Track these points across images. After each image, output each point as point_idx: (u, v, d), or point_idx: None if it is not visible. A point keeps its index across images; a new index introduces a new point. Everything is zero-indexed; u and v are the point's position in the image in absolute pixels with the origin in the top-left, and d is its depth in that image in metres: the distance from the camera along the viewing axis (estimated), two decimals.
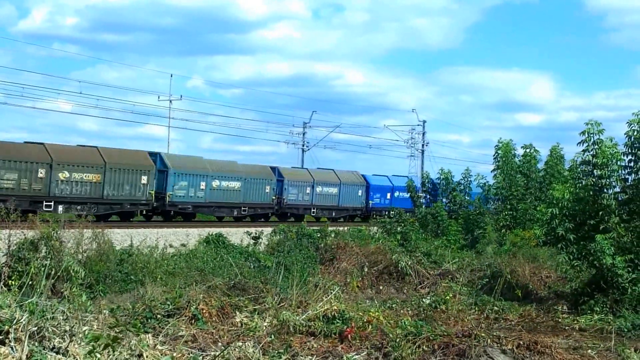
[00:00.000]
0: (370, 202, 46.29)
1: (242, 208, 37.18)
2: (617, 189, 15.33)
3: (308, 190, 41.85)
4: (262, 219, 40.19)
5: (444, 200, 32.50)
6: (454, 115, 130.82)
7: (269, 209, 39.51)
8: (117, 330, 7.46)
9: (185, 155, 37.07)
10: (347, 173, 46.93)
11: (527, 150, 29.31)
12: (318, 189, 42.49)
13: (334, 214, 43.92)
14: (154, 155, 33.54)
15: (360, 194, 45.91)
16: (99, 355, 6.71)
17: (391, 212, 46.50)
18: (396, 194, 47.78)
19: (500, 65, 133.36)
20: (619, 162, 14.99)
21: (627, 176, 15.21)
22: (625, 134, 14.92)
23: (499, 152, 28.13)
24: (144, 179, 32.04)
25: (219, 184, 35.99)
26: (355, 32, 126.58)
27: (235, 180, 36.94)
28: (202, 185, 34.91)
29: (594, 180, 15.11)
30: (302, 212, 41.62)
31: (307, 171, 43.91)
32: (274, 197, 39.09)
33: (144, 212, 33.76)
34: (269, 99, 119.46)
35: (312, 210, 42.17)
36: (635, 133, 14.69)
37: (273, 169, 40.55)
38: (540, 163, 29.81)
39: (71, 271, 12.11)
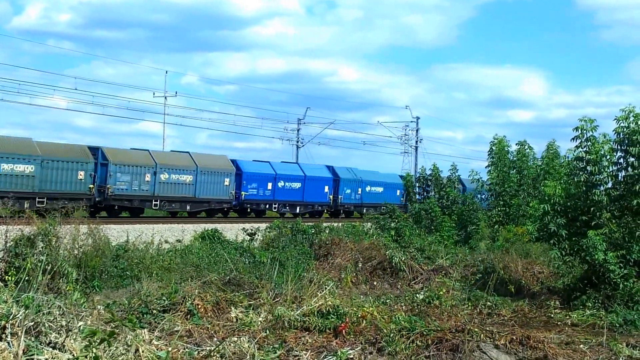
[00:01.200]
0: (243, 193, 38.04)
1: (39, 199, 28.81)
2: (609, 186, 15.43)
3: (148, 177, 33.13)
4: (87, 214, 30.53)
5: (436, 196, 32.50)
6: (447, 112, 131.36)
7: (85, 200, 30.00)
8: (113, 326, 7.51)
9: None
10: (208, 157, 38.33)
11: (521, 146, 29.44)
12: (162, 176, 33.75)
13: (188, 207, 35.47)
14: None
15: (227, 183, 37.06)
16: (95, 350, 6.75)
17: (274, 206, 40.12)
18: (280, 183, 40.48)
19: (492, 62, 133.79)
20: (610, 159, 15.09)
21: (618, 173, 15.31)
22: (613, 130, 15.04)
23: (494, 148, 28.26)
24: None
25: None
26: (348, 29, 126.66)
27: (25, 163, 28.73)
28: None
29: (586, 176, 15.22)
30: (139, 205, 33.45)
31: (148, 153, 34.56)
32: (91, 186, 30.91)
33: None
34: (263, 96, 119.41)
35: (154, 202, 33.56)
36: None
37: (94, 149, 31.89)
38: (535, 159, 29.99)
39: (66, 270, 12.16)
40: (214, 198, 36.63)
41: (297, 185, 41.76)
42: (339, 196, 44.29)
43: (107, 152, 32.07)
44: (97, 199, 31.17)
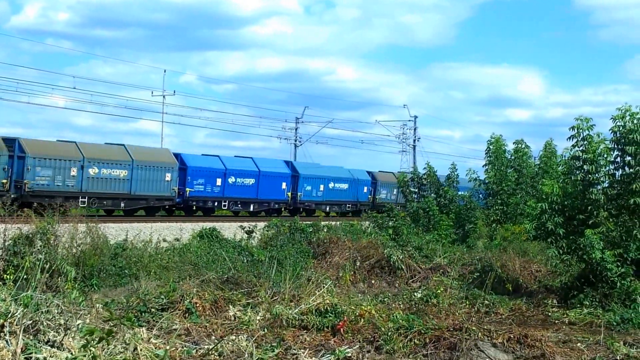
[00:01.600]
0: (187, 189, 35.20)
1: None
2: (606, 184, 15.47)
3: (74, 171, 30.22)
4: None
5: (433, 195, 32.43)
6: (444, 110, 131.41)
7: None
8: (112, 324, 7.52)
9: None
10: (146, 150, 35.29)
11: (519, 145, 29.48)
12: (91, 171, 30.90)
13: (122, 204, 32.57)
14: None
15: (168, 178, 34.10)
16: (93, 349, 6.76)
17: (223, 204, 37.19)
18: (231, 179, 37.69)
19: (490, 61, 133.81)
20: (607, 158, 15.13)
21: (615, 171, 15.35)
22: (610, 129, 15.08)
23: (491, 147, 28.28)
24: None
25: None
26: (346, 28, 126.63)
27: None
28: None
29: (583, 175, 15.25)
30: (63, 202, 29.28)
31: (75, 145, 31.51)
32: (4, 181, 27.95)
33: None
34: (261, 95, 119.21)
35: (82, 199, 30.41)
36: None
37: (10, 140, 29.04)
38: (531, 158, 30.04)
39: (64, 268, 12.16)
40: (152, 195, 33.54)
41: (251, 181, 39.26)
42: (298, 193, 42.30)
43: (25, 144, 29.25)
44: (13, 196, 26.85)
